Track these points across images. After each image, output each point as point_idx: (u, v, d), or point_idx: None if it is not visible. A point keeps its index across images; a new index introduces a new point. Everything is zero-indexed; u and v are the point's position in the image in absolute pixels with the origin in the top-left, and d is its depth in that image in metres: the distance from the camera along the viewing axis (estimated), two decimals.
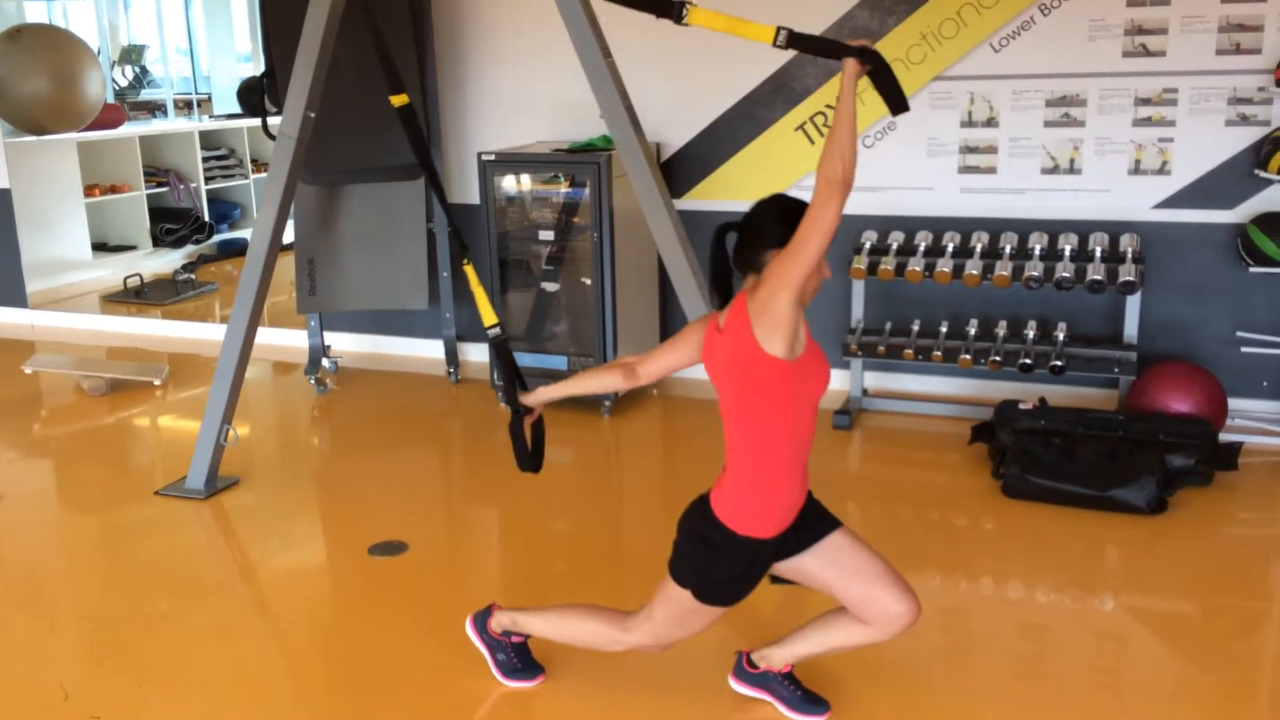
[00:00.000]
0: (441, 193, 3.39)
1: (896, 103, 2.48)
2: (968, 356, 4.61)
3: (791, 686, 2.78)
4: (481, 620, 2.94)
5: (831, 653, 2.73)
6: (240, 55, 11.09)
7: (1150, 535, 3.76)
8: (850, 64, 2.39)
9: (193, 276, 7.85)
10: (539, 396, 2.87)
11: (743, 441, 2.47)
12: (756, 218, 2.45)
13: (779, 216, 2.40)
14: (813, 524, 2.61)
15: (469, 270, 3.22)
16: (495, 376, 5.20)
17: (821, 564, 2.59)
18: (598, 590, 3.51)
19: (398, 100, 3.29)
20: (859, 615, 2.61)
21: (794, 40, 2.50)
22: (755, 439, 2.46)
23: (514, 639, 2.91)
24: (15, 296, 7.19)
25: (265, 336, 5.70)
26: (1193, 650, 3.09)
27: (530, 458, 2.91)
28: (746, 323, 2.37)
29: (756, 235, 2.43)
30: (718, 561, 2.52)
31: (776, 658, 2.79)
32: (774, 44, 2.51)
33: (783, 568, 2.63)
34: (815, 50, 2.53)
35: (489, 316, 3.12)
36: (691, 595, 2.56)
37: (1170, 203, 4.65)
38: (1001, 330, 4.70)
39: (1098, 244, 4.55)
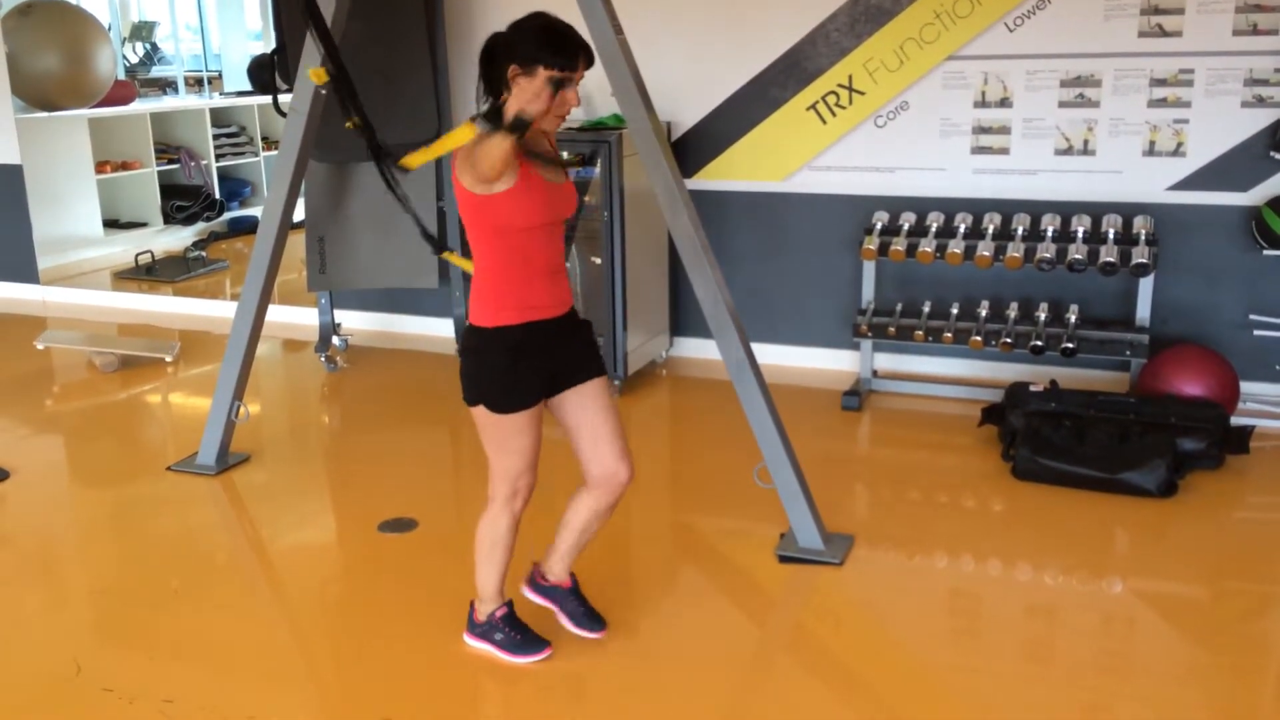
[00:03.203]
0: (384, 171, 3.34)
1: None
2: (979, 338, 4.60)
3: (576, 602, 2.98)
4: (470, 622, 3.00)
5: (584, 532, 2.89)
6: (251, 32, 11.07)
7: (1160, 518, 3.75)
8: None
9: (203, 254, 7.86)
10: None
11: (473, 251, 2.65)
12: (512, 31, 2.53)
13: (530, 34, 2.49)
14: (584, 364, 2.75)
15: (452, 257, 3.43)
16: None
17: (573, 407, 2.75)
18: (605, 568, 3.52)
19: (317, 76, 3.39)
20: (584, 469, 2.80)
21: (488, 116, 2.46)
22: (478, 251, 2.63)
23: (496, 614, 2.94)
24: (27, 272, 7.21)
25: (276, 314, 5.71)
26: (1201, 633, 3.09)
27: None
28: (457, 150, 2.49)
29: (504, 48, 2.51)
30: (483, 362, 2.66)
31: (558, 569, 2.97)
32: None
33: (553, 403, 2.77)
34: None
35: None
36: (485, 410, 2.67)
37: (1184, 185, 4.62)
38: (1013, 312, 4.68)
39: (1111, 226, 4.52)
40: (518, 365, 2.64)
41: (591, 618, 2.99)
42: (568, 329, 2.73)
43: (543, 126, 2.57)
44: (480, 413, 2.68)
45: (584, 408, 2.75)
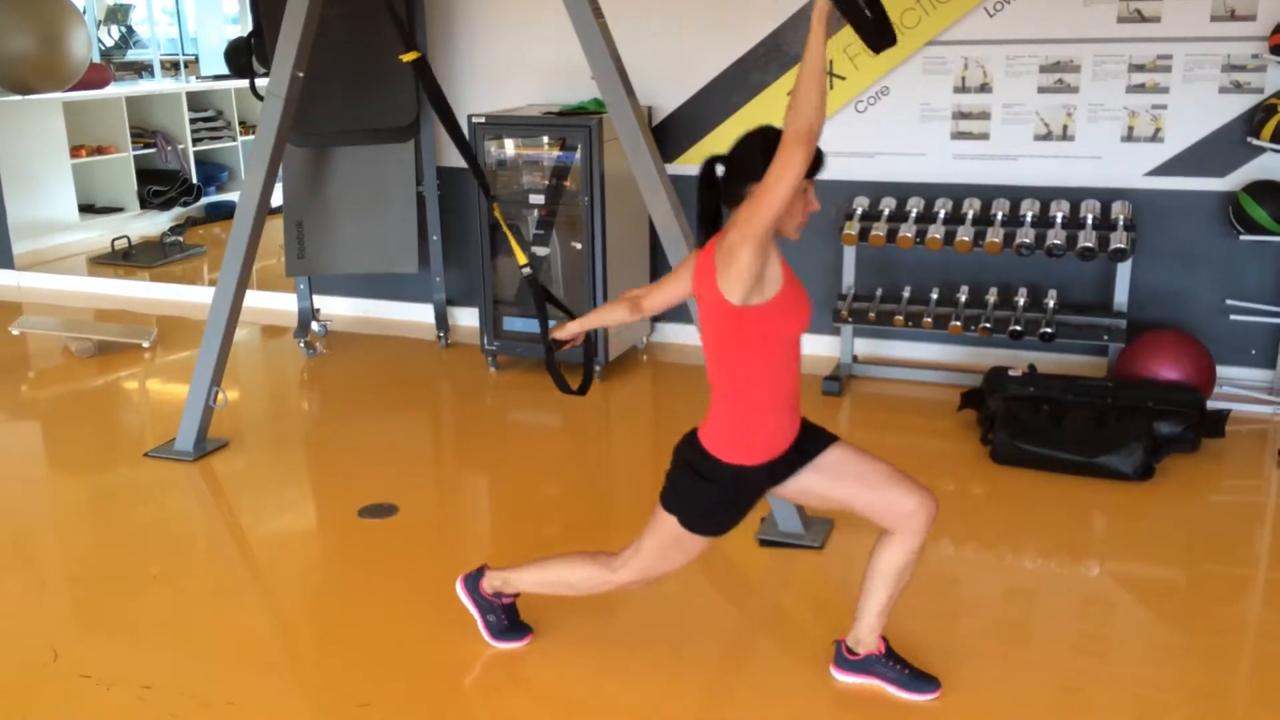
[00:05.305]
0: (467, 147, 3.41)
1: (878, 35, 2.25)
2: (958, 323, 4.62)
3: (897, 666, 2.73)
4: (473, 581, 2.94)
5: (898, 585, 2.65)
6: (228, 16, 10.97)
7: (1137, 501, 3.78)
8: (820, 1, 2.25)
9: (180, 239, 7.80)
10: (567, 329, 2.92)
11: (720, 377, 2.50)
12: (741, 150, 2.42)
13: (764, 149, 2.31)
14: (807, 444, 2.60)
15: (497, 213, 3.36)
16: (485, 341, 5.19)
17: (827, 480, 2.59)
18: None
19: (408, 57, 3.39)
20: (880, 522, 2.60)
21: None
22: (730, 376, 2.48)
23: (504, 599, 2.92)
24: (2, 258, 7.15)
25: (254, 300, 5.69)
26: (1177, 615, 3.12)
27: (566, 383, 3.11)
28: (713, 267, 2.38)
29: (739, 168, 2.40)
30: (704, 489, 2.55)
31: (865, 635, 2.73)
32: None
33: (788, 491, 2.63)
34: None
35: (520, 256, 3.17)
36: (677, 522, 2.57)
37: (1162, 170, 4.65)
38: (992, 297, 4.70)
39: (1089, 211, 4.55)
40: (735, 503, 2.56)
41: (922, 677, 2.73)
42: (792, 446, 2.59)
43: (788, 235, 2.40)
44: (668, 519, 2.58)
45: (841, 472, 2.59)
